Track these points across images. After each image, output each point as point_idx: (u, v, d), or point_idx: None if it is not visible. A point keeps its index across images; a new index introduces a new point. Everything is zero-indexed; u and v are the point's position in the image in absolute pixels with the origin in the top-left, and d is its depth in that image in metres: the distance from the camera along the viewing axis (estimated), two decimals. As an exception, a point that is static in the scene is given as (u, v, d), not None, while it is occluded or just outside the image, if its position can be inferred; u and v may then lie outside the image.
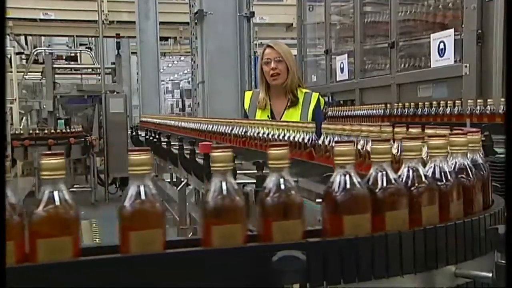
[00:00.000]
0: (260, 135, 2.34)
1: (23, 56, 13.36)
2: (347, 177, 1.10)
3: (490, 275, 1.12)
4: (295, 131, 2.08)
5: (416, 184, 1.16)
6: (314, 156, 1.90)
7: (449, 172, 1.22)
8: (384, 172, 1.14)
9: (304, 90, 3.35)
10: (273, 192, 1.07)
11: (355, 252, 1.05)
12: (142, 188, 1.01)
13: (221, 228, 1.04)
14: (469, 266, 1.16)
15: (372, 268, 1.06)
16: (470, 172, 1.27)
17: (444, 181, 1.20)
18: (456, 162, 1.27)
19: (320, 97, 3.35)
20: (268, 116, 3.26)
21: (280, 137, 2.15)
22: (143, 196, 1.01)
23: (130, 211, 1.00)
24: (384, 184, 1.13)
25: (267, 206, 1.06)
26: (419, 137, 1.23)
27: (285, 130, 2.16)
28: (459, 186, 1.23)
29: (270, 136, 2.25)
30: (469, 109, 3.85)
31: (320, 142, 1.87)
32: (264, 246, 1.03)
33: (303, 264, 0.98)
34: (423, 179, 1.17)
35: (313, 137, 1.99)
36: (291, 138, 2.08)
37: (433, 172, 1.21)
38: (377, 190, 1.12)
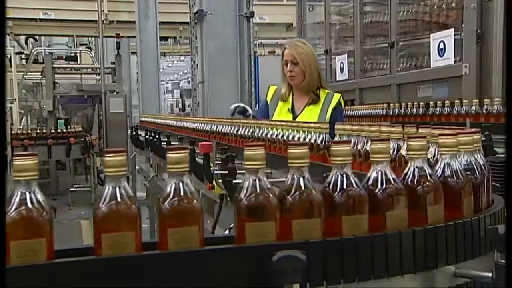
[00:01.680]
0: (269, 136, 2.26)
1: (23, 56, 13.35)
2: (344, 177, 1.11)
3: (490, 275, 1.12)
4: (307, 132, 1.98)
5: (422, 184, 1.17)
6: (328, 158, 1.79)
7: (455, 171, 1.23)
8: (383, 172, 1.14)
9: (326, 91, 3.37)
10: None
11: (355, 252, 1.05)
12: (117, 190, 1.00)
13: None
14: (469, 266, 1.16)
15: (372, 268, 1.06)
16: (471, 172, 1.27)
17: (455, 178, 1.21)
18: (456, 162, 1.27)
19: (341, 98, 3.35)
20: (288, 108, 3.30)
21: (295, 138, 2.06)
22: (118, 198, 1.00)
23: (104, 213, 0.99)
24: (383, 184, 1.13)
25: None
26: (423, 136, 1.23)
27: (295, 131, 2.07)
28: (468, 185, 1.23)
29: (284, 137, 2.17)
30: (469, 109, 3.85)
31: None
32: (264, 246, 1.03)
33: (303, 264, 0.98)
34: (429, 178, 1.18)
35: (327, 138, 1.91)
36: (302, 139, 1.99)
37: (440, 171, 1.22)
38: (376, 191, 1.13)
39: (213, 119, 3.29)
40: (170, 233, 1.02)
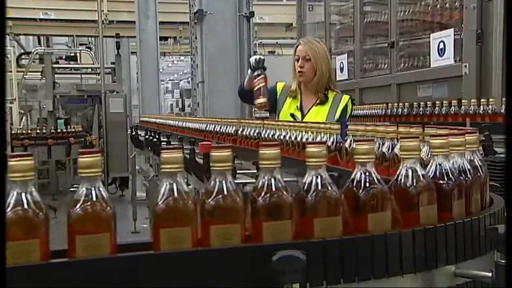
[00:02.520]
0: (274, 136, 2.20)
1: (23, 56, 13.35)
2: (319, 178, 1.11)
3: (490, 274, 1.12)
4: (316, 133, 1.91)
5: (415, 184, 1.17)
6: (339, 161, 1.71)
7: (449, 172, 1.22)
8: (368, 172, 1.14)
9: (335, 92, 3.29)
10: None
11: (355, 252, 1.05)
12: (92, 191, 1.00)
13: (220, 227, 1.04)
14: (469, 265, 1.16)
15: (372, 268, 1.06)
16: (468, 172, 1.27)
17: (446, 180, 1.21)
18: (454, 163, 1.27)
19: (350, 100, 3.29)
20: (296, 106, 3.24)
21: (304, 139, 1.98)
22: (94, 199, 1.00)
23: (79, 215, 0.99)
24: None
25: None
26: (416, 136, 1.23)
27: (304, 132, 2.01)
28: (459, 186, 1.23)
29: (282, 137, 2.14)
30: (468, 109, 3.85)
31: (346, 145, 1.71)
32: (264, 246, 1.03)
33: (303, 264, 0.98)
34: (421, 178, 1.18)
35: (337, 139, 1.81)
36: (311, 140, 1.91)
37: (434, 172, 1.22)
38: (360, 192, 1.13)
39: (213, 119, 3.29)
40: (162, 233, 1.02)
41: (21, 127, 10.59)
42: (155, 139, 4.08)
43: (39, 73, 11.50)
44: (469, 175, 1.26)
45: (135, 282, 0.96)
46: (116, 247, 1.02)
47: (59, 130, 9.01)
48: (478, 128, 1.55)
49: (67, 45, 16.29)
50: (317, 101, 3.23)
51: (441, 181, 1.21)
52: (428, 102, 4.43)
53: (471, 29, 4.37)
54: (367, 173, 1.14)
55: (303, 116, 3.19)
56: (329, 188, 1.09)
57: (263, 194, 1.06)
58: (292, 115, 3.21)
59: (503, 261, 1.10)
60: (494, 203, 1.35)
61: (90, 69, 11.81)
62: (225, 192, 1.05)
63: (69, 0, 12.29)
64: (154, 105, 11.30)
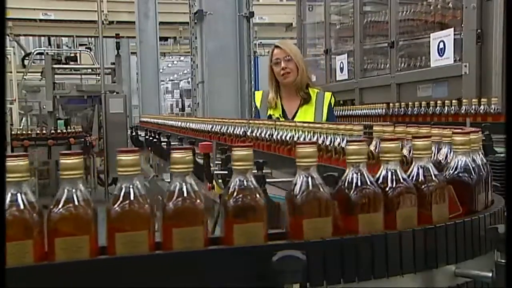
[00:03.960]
0: (284, 137, 2.15)
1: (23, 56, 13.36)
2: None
3: (490, 274, 1.12)
4: (312, 133, 1.89)
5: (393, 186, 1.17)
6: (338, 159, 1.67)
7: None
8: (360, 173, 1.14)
9: (315, 90, 3.33)
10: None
11: (355, 252, 1.05)
12: (73, 193, 1.00)
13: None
14: (469, 265, 1.16)
15: (372, 267, 1.06)
16: (471, 172, 1.27)
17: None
18: (457, 161, 1.27)
19: (332, 96, 3.33)
20: (280, 115, 3.25)
21: (301, 139, 1.97)
22: (75, 201, 1.00)
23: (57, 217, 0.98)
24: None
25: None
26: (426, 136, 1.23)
27: (302, 132, 2.00)
28: (459, 186, 1.23)
29: (282, 137, 2.14)
30: (468, 109, 3.85)
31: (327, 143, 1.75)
32: (264, 246, 1.03)
33: (303, 264, 0.98)
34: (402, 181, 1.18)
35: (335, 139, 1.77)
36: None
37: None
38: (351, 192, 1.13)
39: (213, 119, 3.29)
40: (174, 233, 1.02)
41: (21, 127, 10.59)
42: (155, 140, 4.08)
43: (40, 74, 11.51)
44: (474, 174, 1.27)
45: (135, 282, 0.96)
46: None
47: (59, 131, 9.01)
48: (479, 127, 1.55)
49: (67, 46, 16.28)
50: (301, 102, 3.26)
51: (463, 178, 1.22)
52: (430, 102, 4.42)
53: (471, 29, 4.37)
54: (393, 172, 1.15)
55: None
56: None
57: (301, 192, 1.08)
58: None
59: (503, 260, 1.10)
60: (494, 203, 1.35)
61: (90, 70, 11.81)
62: (247, 192, 1.06)
63: (69, 0, 12.28)
64: (154, 106, 11.29)
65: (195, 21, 7.41)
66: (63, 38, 15.57)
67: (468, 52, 4.41)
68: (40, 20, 12.26)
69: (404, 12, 5.54)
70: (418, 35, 5.37)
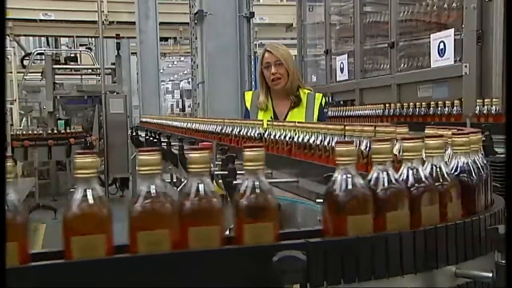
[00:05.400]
0: (278, 137, 2.19)
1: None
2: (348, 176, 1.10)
3: (491, 275, 1.12)
4: (317, 134, 1.88)
5: (416, 185, 1.17)
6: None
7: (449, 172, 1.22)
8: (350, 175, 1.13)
9: (306, 91, 3.33)
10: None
11: (355, 252, 1.05)
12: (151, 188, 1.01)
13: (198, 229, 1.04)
14: (470, 266, 1.16)
15: (372, 268, 1.06)
16: (471, 172, 1.27)
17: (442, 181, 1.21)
18: (457, 162, 1.27)
19: (323, 97, 3.34)
20: (271, 117, 3.24)
21: (293, 139, 2.01)
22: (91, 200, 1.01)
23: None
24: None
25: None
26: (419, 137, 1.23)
27: (295, 131, 2.03)
28: (459, 186, 1.23)
29: (281, 138, 2.15)
30: (469, 109, 3.85)
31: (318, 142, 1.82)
32: (264, 246, 1.03)
33: (304, 264, 0.98)
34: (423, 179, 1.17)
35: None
36: (306, 140, 1.91)
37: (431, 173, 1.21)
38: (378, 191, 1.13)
39: (213, 120, 3.29)
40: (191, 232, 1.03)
41: (21, 127, 10.60)
42: (155, 140, 4.08)
43: (40, 74, 11.51)
44: (474, 175, 1.27)
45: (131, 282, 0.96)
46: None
47: (59, 131, 9.02)
48: (479, 128, 1.55)
49: (67, 46, 16.30)
50: (291, 104, 3.25)
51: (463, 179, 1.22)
52: (430, 103, 4.43)
53: (471, 29, 4.37)
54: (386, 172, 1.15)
55: None
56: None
57: (343, 189, 1.09)
58: None
59: (503, 261, 1.10)
60: (494, 203, 1.35)
61: (90, 70, 11.82)
62: (258, 191, 1.06)
63: (69, 1, 12.29)
64: (154, 106, 11.29)
65: (195, 21, 7.41)
66: (61, 38, 15.58)
67: (469, 53, 4.41)
68: (40, 20, 12.27)
69: (404, 12, 5.54)
70: (418, 36, 5.37)
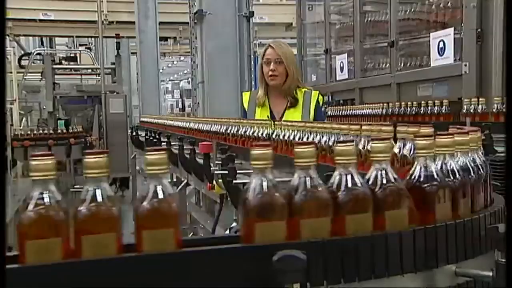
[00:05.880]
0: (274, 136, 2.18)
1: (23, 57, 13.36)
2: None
3: (491, 274, 1.12)
4: (315, 133, 1.86)
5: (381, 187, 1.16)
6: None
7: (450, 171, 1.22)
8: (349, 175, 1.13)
9: (303, 89, 3.32)
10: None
11: (355, 251, 1.05)
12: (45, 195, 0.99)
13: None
14: (470, 265, 1.16)
15: (372, 267, 1.06)
16: (471, 171, 1.27)
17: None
18: (457, 161, 1.27)
19: (319, 95, 3.33)
20: (267, 116, 3.24)
21: (288, 138, 2.02)
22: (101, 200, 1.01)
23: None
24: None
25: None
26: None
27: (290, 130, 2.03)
28: (461, 185, 1.23)
29: (274, 136, 2.16)
30: (468, 108, 3.85)
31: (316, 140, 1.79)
32: (264, 246, 1.02)
33: (304, 263, 0.98)
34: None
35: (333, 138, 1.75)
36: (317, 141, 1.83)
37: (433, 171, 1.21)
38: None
39: (213, 119, 3.28)
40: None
41: (21, 128, 10.60)
42: (155, 139, 4.08)
43: (39, 74, 11.52)
44: (473, 174, 1.27)
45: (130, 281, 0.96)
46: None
47: (59, 131, 9.02)
48: (479, 127, 1.55)
49: (67, 46, 16.29)
50: (288, 104, 3.25)
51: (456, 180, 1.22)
52: (429, 101, 4.42)
53: (471, 28, 4.37)
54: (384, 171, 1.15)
55: None
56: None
57: (342, 190, 1.09)
58: None
59: (503, 260, 1.10)
60: (494, 202, 1.35)
61: (90, 70, 11.82)
62: (265, 190, 1.06)
63: (69, 1, 12.29)
64: (154, 106, 11.30)
65: (195, 21, 7.42)
66: (57, 38, 15.57)
67: (468, 52, 4.41)
68: (40, 20, 12.27)
69: (404, 11, 5.54)
70: (418, 35, 5.37)
